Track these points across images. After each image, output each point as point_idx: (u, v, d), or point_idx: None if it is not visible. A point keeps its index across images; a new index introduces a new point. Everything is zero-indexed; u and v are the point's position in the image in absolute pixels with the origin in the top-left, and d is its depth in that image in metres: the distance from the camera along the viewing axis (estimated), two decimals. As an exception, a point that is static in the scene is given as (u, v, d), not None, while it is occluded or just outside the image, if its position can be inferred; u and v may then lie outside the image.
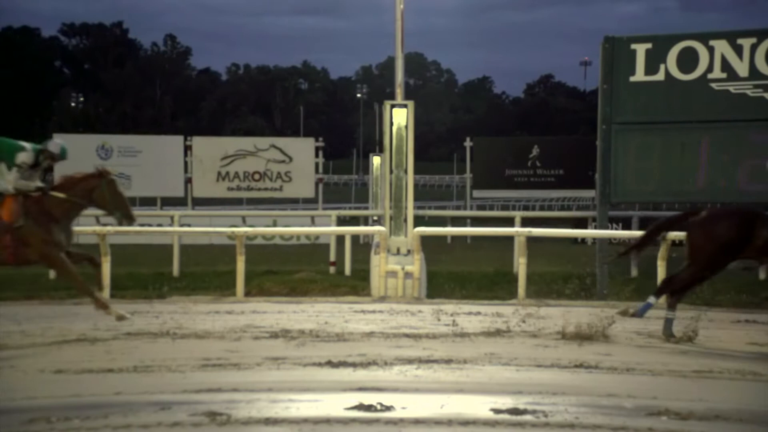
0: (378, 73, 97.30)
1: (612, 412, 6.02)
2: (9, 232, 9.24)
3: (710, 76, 13.48)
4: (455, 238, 23.37)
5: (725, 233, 9.06)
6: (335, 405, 6.10)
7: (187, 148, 21.78)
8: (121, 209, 9.72)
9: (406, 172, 13.91)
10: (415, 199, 14.32)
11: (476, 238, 23.68)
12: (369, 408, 6.01)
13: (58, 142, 10.06)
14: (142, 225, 20.44)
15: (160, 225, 20.08)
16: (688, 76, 13.59)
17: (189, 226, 19.44)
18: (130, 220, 9.88)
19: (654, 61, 13.73)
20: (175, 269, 15.98)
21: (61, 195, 9.47)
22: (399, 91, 14.51)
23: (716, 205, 13.43)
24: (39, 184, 9.63)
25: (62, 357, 7.92)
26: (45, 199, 9.44)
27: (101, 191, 9.58)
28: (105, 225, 17.56)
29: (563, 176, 26.04)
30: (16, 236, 9.25)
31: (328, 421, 5.74)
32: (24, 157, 9.54)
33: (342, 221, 21.73)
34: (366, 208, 29.79)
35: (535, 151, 26.30)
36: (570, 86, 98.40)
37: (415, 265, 13.07)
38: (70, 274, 9.62)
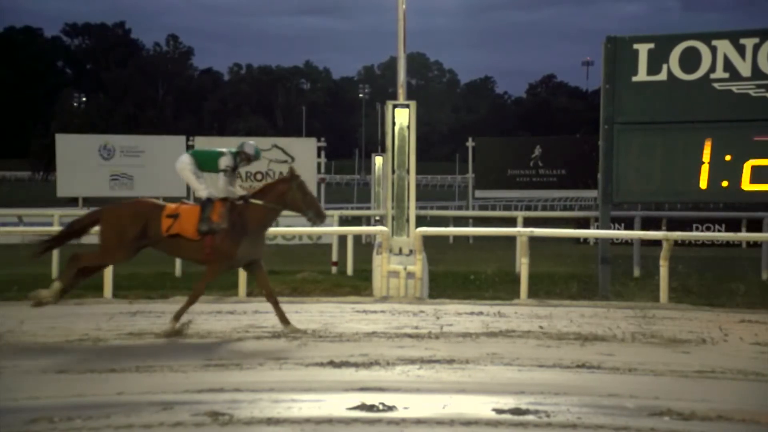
0: (380, 73, 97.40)
1: (614, 413, 6.02)
2: (213, 233, 9.48)
3: (713, 76, 13.47)
4: (457, 238, 23.37)
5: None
6: (337, 405, 6.10)
7: (189, 148, 21.79)
8: (313, 208, 9.84)
9: (408, 172, 13.90)
10: (417, 199, 14.31)
11: (478, 238, 23.66)
12: (371, 408, 6.01)
13: (251, 143, 10.30)
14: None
15: (162, 225, 20.06)
16: (690, 76, 13.58)
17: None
18: (322, 218, 9.98)
19: (656, 61, 13.72)
20: (178, 269, 15.97)
21: (259, 202, 9.68)
22: (401, 91, 14.51)
23: (719, 204, 13.44)
24: (242, 192, 9.96)
25: (65, 357, 7.92)
26: (245, 208, 9.67)
27: (293, 193, 9.72)
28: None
29: (565, 176, 26.06)
30: (216, 238, 9.49)
31: (330, 421, 5.74)
32: (226, 161, 9.85)
33: (344, 221, 21.75)
34: (368, 208, 29.78)
35: (537, 151, 26.33)
36: (572, 86, 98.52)
37: (417, 265, 13.06)
38: (202, 284, 9.80)
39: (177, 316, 9.39)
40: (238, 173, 10.39)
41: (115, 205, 10.11)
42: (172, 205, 9.79)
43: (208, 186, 9.88)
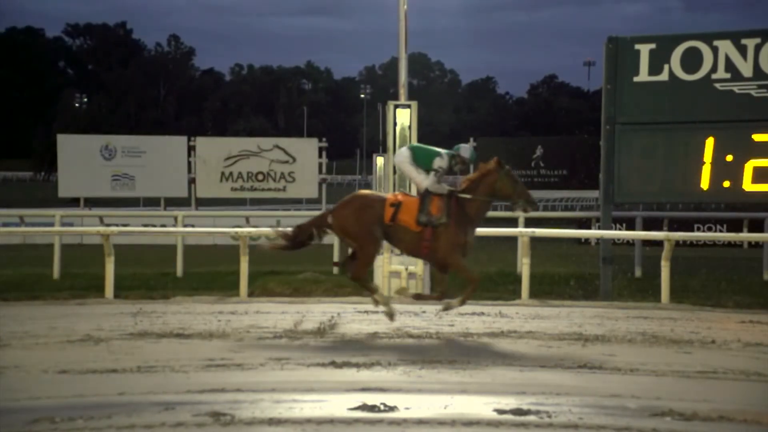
0: (381, 73, 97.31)
1: (616, 413, 6.02)
2: (432, 227, 9.48)
3: (714, 76, 13.47)
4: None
5: None
6: (339, 405, 6.10)
7: (191, 149, 21.79)
8: (524, 196, 9.76)
9: (409, 172, 13.88)
10: (419, 199, 14.28)
11: (479, 238, 23.46)
12: (372, 408, 6.01)
13: (468, 147, 10.32)
14: (145, 225, 20.58)
15: (163, 225, 20.14)
16: (692, 76, 13.58)
17: (193, 226, 19.49)
18: (533, 206, 9.93)
19: (658, 61, 13.71)
20: (179, 270, 15.99)
21: (468, 196, 9.65)
22: (402, 92, 14.51)
23: (720, 205, 13.44)
24: (448, 187, 9.87)
25: (66, 357, 7.91)
26: (461, 202, 9.64)
27: (502, 183, 9.68)
28: (108, 226, 17.64)
29: (567, 176, 26.03)
30: (436, 232, 9.49)
31: (331, 421, 5.74)
32: (440, 162, 9.82)
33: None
34: (369, 209, 29.75)
35: (539, 151, 26.29)
36: (573, 86, 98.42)
37: (419, 266, 13.06)
38: (467, 272, 9.77)
39: (462, 302, 9.53)
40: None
41: (337, 206, 9.89)
42: (393, 195, 9.91)
43: (425, 178, 9.81)
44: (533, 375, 7.35)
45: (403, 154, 10.16)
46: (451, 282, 9.88)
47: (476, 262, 17.24)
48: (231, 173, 21.77)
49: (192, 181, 21.68)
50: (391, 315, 9.60)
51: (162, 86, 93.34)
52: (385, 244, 10.43)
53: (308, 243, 10.06)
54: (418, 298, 10.56)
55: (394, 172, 13.99)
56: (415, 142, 10.62)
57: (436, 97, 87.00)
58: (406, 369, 7.48)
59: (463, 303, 9.62)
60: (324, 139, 22.73)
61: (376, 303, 9.70)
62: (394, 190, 13.97)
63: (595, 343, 8.96)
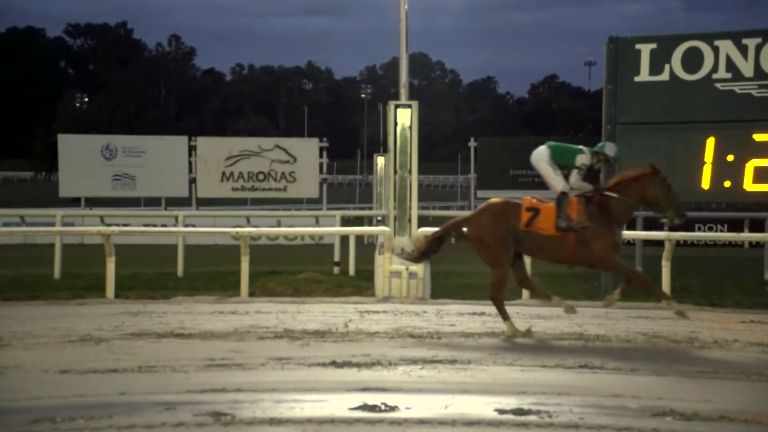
0: (382, 73, 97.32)
1: (616, 413, 6.01)
2: (574, 232, 9.31)
3: (715, 76, 13.45)
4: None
5: None
6: (339, 405, 6.10)
7: (192, 149, 21.81)
8: (674, 207, 9.54)
9: (410, 172, 13.90)
10: (420, 199, 14.31)
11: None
12: (373, 408, 6.01)
13: (613, 145, 10.20)
14: (146, 225, 20.59)
15: (164, 225, 20.14)
16: (692, 76, 13.57)
17: (193, 226, 19.47)
18: (682, 218, 9.66)
19: (659, 61, 13.70)
20: (180, 269, 15.98)
21: (614, 195, 9.46)
22: (403, 92, 14.50)
23: (721, 205, 13.43)
24: (593, 185, 9.70)
25: (66, 357, 7.91)
26: (603, 200, 9.46)
27: (655, 189, 9.47)
28: (109, 225, 17.64)
29: (567, 176, 25.99)
30: (580, 237, 9.31)
31: (332, 421, 5.73)
32: (583, 159, 9.66)
33: (346, 221, 21.76)
34: (370, 209, 29.83)
35: (540, 151, 26.27)
36: (574, 86, 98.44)
37: (419, 266, 13.05)
38: (635, 275, 9.64)
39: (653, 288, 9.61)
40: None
41: (473, 215, 9.88)
42: (530, 199, 9.65)
43: (563, 180, 9.63)
44: (534, 375, 7.35)
45: (541, 152, 9.84)
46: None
47: (478, 263, 17.26)
48: (232, 173, 21.80)
49: (193, 181, 21.70)
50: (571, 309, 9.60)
51: (163, 86, 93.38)
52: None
53: (438, 251, 10.01)
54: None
55: (395, 172, 14.00)
56: (552, 142, 10.20)
57: (436, 97, 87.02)
58: (406, 369, 7.48)
59: (663, 296, 9.59)
60: (325, 139, 22.76)
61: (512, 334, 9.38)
62: (394, 191, 14.00)
63: (596, 343, 8.96)
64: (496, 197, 10.22)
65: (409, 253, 10.14)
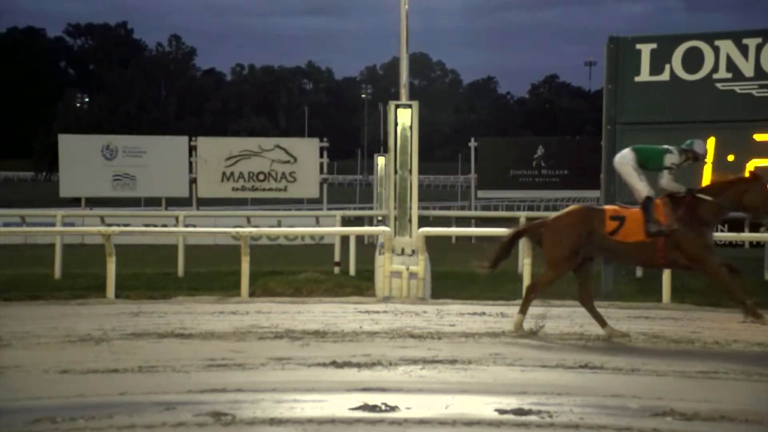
0: (382, 73, 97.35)
1: (617, 413, 6.01)
2: (664, 235, 9.15)
3: (715, 76, 13.46)
4: (459, 238, 23.34)
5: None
6: (340, 405, 6.10)
7: (192, 149, 21.82)
8: None
9: (410, 172, 13.90)
10: (420, 199, 14.30)
11: (481, 239, 23.62)
12: (373, 408, 6.01)
13: (701, 142, 10.04)
14: (146, 225, 20.59)
15: (164, 225, 20.13)
16: (693, 76, 13.57)
17: (194, 226, 19.48)
18: None
19: (659, 61, 13.70)
20: (180, 269, 15.98)
21: (708, 198, 9.31)
22: (403, 92, 14.50)
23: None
24: (686, 187, 9.51)
25: (67, 357, 7.91)
26: (693, 202, 9.29)
27: (753, 195, 9.29)
28: (109, 226, 17.64)
29: (568, 176, 26.05)
30: (670, 239, 9.16)
31: (332, 421, 5.73)
32: (672, 159, 9.51)
33: (346, 221, 21.76)
34: (370, 209, 29.82)
35: (540, 151, 26.35)
36: (575, 86, 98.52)
37: (420, 266, 13.06)
38: (723, 281, 9.41)
39: (748, 311, 9.25)
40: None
41: (555, 217, 9.77)
42: (612, 207, 9.51)
43: (648, 184, 9.46)
44: (534, 375, 7.35)
45: (626, 157, 9.68)
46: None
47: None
48: (232, 173, 21.81)
49: (193, 181, 21.71)
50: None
51: (163, 86, 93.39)
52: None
53: (508, 256, 9.94)
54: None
55: (395, 172, 13.99)
56: (636, 145, 10.01)
57: (437, 97, 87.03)
58: (407, 369, 7.48)
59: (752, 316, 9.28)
60: (325, 139, 22.78)
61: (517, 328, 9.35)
62: (394, 192, 14.00)
63: (597, 343, 8.96)
64: (576, 204, 10.13)
65: (479, 263, 9.94)
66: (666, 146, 9.71)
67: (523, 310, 9.51)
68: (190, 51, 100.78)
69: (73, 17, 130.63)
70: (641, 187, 9.46)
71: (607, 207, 9.58)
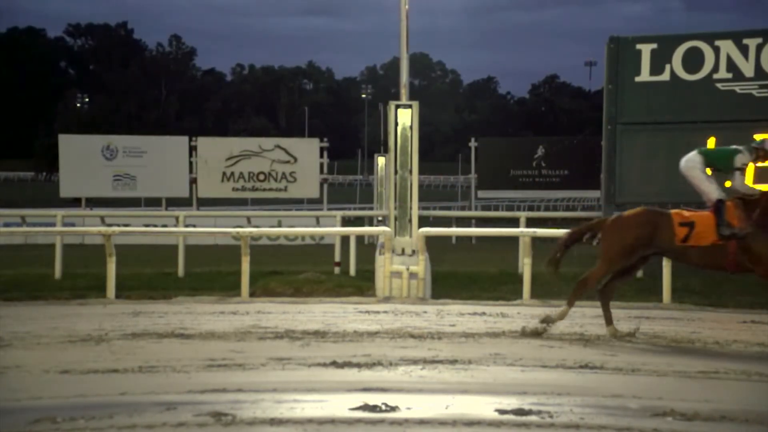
0: (383, 73, 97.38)
1: (617, 413, 6.01)
2: (737, 238, 8.98)
3: (716, 76, 13.47)
4: (460, 238, 23.38)
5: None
6: (340, 405, 6.10)
7: (192, 149, 21.82)
8: None
9: (410, 172, 13.90)
10: (420, 199, 14.31)
11: (481, 239, 23.65)
12: (374, 408, 6.01)
13: None
14: (147, 225, 20.60)
15: (165, 225, 20.14)
16: (693, 76, 13.58)
17: (194, 226, 19.48)
18: None
19: (659, 61, 13.72)
20: (180, 270, 15.99)
21: None
22: (404, 92, 14.51)
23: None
24: (754, 190, 9.35)
25: (67, 357, 7.91)
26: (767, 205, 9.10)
27: None
28: (110, 226, 17.65)
29: (568, 176, 26.04)
30: (741, 243, 9.01)
31: (332, 421, 5.73)
32: (743, 159, 9.34)
33: (347, 222, 21.75)
34: (371, 209, 29.85)
35: (540, 151, 26.33)
36: (575, 86, 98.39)
37: (420, 266, 13.06)
38: None
39: None
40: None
41: (618, 215, 9.72)
42: (681, 212, 9.31)
43: (718, 187, 9.29)
44: (535, 375, 7.34)
45: (693, 160, 9.49)
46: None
47: (478, 263, 17.28)
48: (232, 173, 21.81)
49: (193, 181, 21.70)
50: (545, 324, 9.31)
51: (163, 86, 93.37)
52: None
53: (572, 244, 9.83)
54: None
55: (395, 172, 13.99)
56: (703, 148, 9.84)
57: (437, 97, 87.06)
58: (407, 369, 7.48)
59: None
60: (325, 139, 22.78)
61: (548, 321, 9.30)
62: (395, 192, 14.00)
63: (597, 343, 8.96)
64: (642, 206, 9.84)
65: (555, 257, 9.84)
66: (735, 146, 9.53)
67: (571, 303, 9.45)
68: (190, 51, 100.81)
69: (74, 17, 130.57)
70: (711, 190, 9.28)
71: (674, 212, 9.36)
